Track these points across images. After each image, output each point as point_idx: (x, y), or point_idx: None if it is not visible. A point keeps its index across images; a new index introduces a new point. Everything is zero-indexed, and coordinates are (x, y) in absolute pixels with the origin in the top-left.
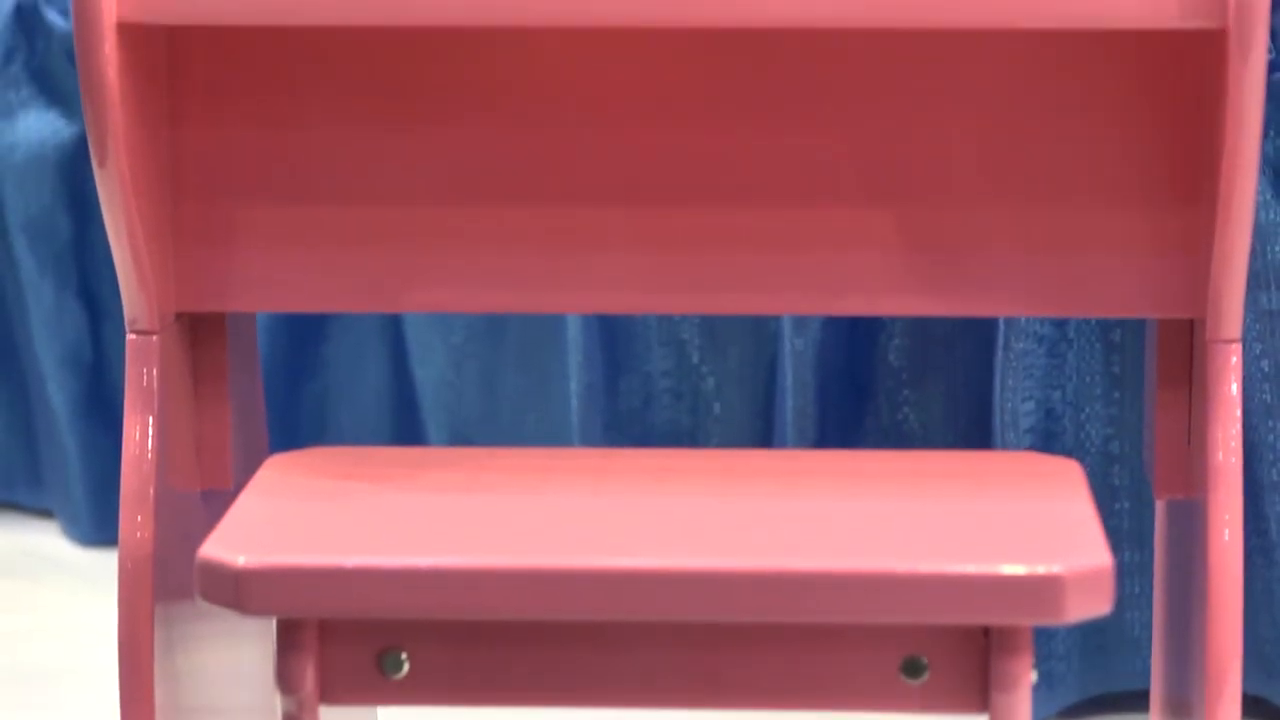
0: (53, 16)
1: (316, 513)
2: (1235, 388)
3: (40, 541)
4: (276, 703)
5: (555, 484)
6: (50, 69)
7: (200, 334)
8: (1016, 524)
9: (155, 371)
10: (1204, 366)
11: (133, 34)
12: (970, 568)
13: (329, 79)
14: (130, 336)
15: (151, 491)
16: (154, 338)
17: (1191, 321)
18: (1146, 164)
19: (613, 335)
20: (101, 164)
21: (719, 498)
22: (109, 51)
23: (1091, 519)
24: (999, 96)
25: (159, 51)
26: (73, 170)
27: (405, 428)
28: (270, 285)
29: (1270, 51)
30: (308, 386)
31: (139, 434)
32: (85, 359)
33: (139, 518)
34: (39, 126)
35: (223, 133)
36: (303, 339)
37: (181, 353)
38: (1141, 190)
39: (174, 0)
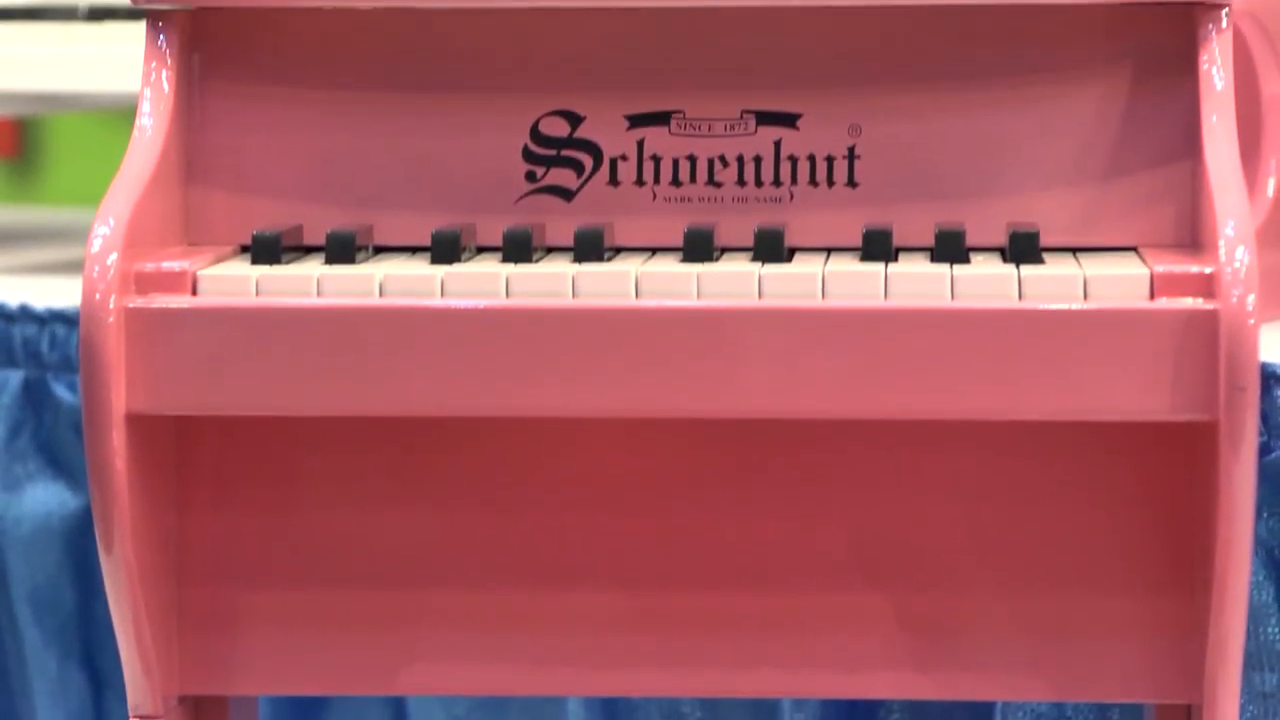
0: (60, 391)
1: None
2: None
3: None
4: None
5: None
6: (58, 442)
7: (203, 716)
8: None
9: None
10: None
11: (141, 425)
12: None
13: (331, 466)
14: None
15: None
16: None
17: (1189, 707)
18: (1141, 550)
19: (614, 707)
20: (108, 550)
21: None
22: (118, 443)
23: None
24: (994, 483)
25: (167, 441)
26: (78, 541)
27: None
28: (273, 669)
29: (1262, 434)
30: None
31: None
32: None
33: None
34: (45, 498)
35: (228, 519)
36: (304, 710)
37: None
38: (1136, 576)
39: (182, 393)
